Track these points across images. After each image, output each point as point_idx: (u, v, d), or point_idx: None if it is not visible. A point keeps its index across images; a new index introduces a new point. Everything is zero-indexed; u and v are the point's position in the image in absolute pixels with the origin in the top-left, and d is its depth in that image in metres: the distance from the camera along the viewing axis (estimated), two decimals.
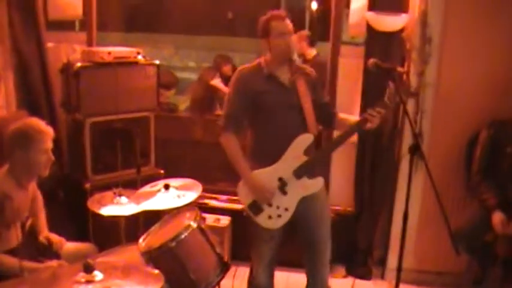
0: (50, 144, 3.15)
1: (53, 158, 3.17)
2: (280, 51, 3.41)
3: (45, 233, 3.44)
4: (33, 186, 3.39)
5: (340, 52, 4.77)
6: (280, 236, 3.61)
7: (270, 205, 3.43)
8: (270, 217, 3.45)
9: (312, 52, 6.17)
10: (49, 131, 3.17)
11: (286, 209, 3.43)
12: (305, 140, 3.38)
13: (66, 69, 4.44)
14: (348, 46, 4.86)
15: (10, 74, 4.61)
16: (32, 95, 4.64)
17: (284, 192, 3.42)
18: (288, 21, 3.41)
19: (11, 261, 2.94)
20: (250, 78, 3.48)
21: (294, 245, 3.74)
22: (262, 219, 3.47)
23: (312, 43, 6.32)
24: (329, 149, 3.78)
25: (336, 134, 4.22)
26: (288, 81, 3.46)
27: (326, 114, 3.58)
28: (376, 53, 4.18)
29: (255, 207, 3.46)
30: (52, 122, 4.63)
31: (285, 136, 3.40)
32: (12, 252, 2.95)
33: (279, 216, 3.44)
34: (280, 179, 3.41)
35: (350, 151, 4.67)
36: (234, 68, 7.11)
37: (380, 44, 4.34)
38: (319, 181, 3.45)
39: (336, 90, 4.74)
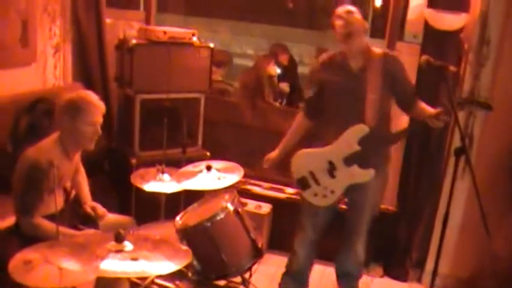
0: (98, 118, 3.19)
1: (100, 132, 3.21)
2: (339, 33, 3.47)
3: (91, 203, 3.51)
4: (77, 157, 3.47)
5: (396, 48, 4.70)
6: (324, 219, 3.80)
7: (318, 184, 3.60)
8: (315, 194, 3.64)
9: None
10: (99, 105, 3.20)
11: (332, 192, 3.60)
12: (359, 130, 3.47)
13: (122, 45, 4.51)
14: (404, 43, 4.78)
15: (68, 47, 4.73)
16: (88, 68, 4.75)
17: (332, 176, 3.58)
18: (348, 18, 3.44)
19: (50, 226, 3.03)
20: (326, 66, 3.67)
21: (332, 239, 3.81)
22: (308, 195, 3.66)
23: None
24: (381, 144, 3.67)
25: None
26: (357, 69, 3.55)
27: (405, 102, 3.62)
28: (432, 51, 4.09)
29: (304, 182, 3.66)
30: (105, 95, 4.74)
31: (340, 122, 3.53)
32: (52, 217, 3.02)
33: (325, 196, 3.62)
34: (330, 162, 3.56)
35: (397, 149, 4.60)
36: (291, 58, 7.13)
37: (437, 42, 4.24)
38: (369, 173, 3.53)
39: None
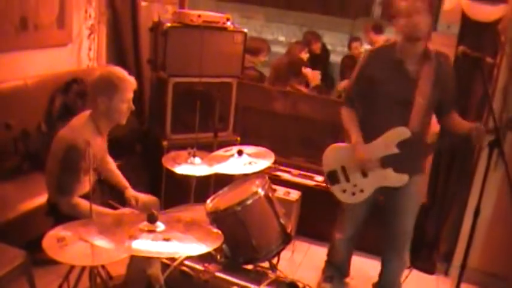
0: (131, 94, 3.20)
1: (133, 107, 3.22)
2: (406, 33, 3.29)
3: (133, 193, 3.48)
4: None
5: (432, 40, 4.64)
6: (361, 214, 3.73)
7: (348, 180, 3.54)
8: (344, 191, 3.57)
9: (379, 39, 6.02)
10: (132, 81, 3.20)
11: (362, 191, 3.52)
12: (401, 133, 3.35)
13: (156, 28, 4.53)
14: (439, 34, 4.72)
15: (103, 29, 4.77)
16: (122, 50, 4.80)
17: (365, 174, 3.50)
18: (417, 19, 3.22)
19: (87, 205, 3.06)
20: (378, 61, 3.45)
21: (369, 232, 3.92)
22: (336, 190, 3.59)
23: (378, 30, 6.26)
24: (420, 151, 3.60)
25: None
26: (413, 72, 3.35)
27: (442, 109, 3.47)
28: (469, 42, 4.03)
29: (333, 177, 3.59)
30: (138, 78, 4.75)
31: (382, 122, 3.40)
32: (85, 196, 3.05)
33: (353, 194, 3.55)
34: None
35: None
36: (323, 46, 7.10)
37: (473, 33, 4.18)
38: (402, 177, 3.44)
39: None
